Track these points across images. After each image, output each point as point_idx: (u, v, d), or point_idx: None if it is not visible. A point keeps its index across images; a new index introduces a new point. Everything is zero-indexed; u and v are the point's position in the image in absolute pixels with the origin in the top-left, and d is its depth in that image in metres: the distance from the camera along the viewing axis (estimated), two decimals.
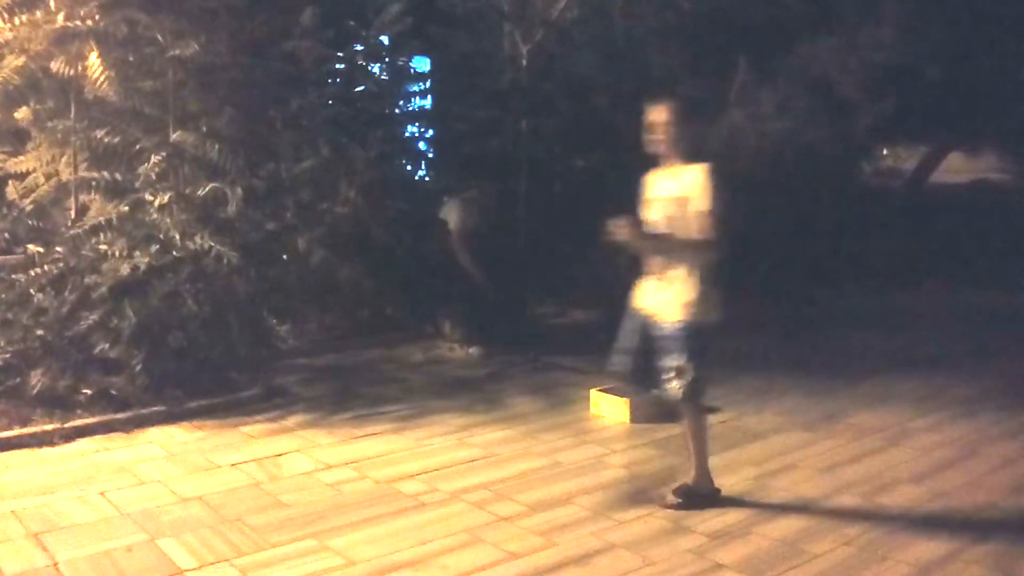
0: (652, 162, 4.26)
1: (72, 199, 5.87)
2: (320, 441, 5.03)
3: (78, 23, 5.51)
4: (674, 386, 4.00)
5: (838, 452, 4.93)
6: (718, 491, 4.22)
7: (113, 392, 5.36)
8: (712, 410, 5.66)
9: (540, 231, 8.57)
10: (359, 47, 7.77)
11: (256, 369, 6.15)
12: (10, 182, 5.96)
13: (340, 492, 4.30)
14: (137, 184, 5.86)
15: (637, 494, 4.26)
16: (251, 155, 6.41)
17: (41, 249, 5.65)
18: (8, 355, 5.36)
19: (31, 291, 5.50)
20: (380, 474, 4.53)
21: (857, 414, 5.60)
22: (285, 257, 6.85)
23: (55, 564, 3.52)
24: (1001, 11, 9.31)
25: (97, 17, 5.55)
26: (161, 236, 5.80)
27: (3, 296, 5.52)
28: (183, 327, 5.74)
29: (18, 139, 6.05)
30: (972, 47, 9.29)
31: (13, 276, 5.54)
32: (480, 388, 6.23)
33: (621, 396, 5.49)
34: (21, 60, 5.56)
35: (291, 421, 5.39)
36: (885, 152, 12.18)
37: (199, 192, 5.94)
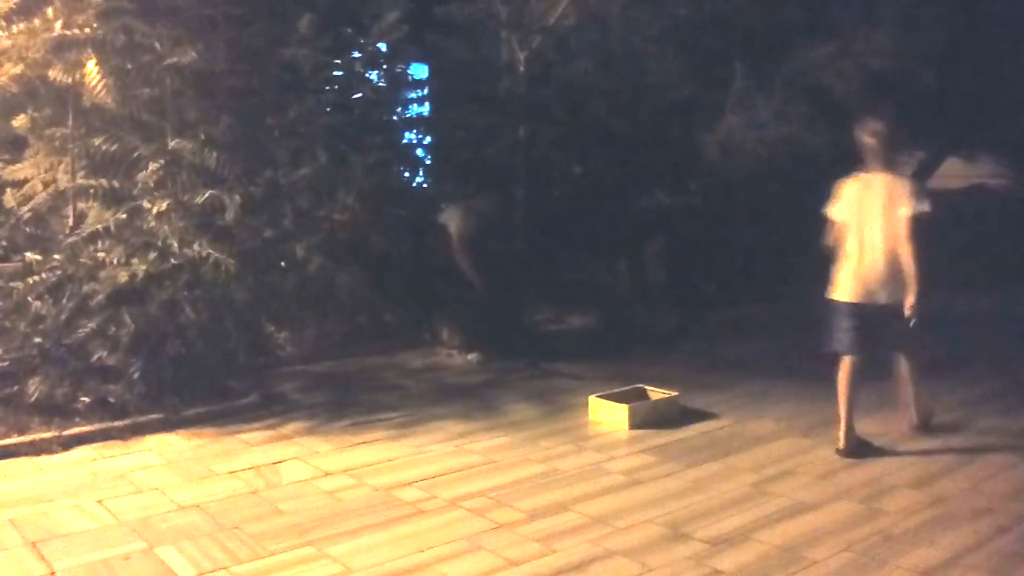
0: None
1: (70, 207, 5.86)
2: (318, 448, 5.03)
3: (76, 31, 5.51)
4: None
5: (837, 458, 4.92)
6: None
7: (111, 400, 5.36)
8: (710, 416, 5.68)
9: (538, 237, 8.58)
10: (357, 54, 7.77)
11: (254, 376, 6.15)
12: (8, 190, 5.95)
13: (338, 499, 4.29)
14: (135, 192, 5.85)
15: None
16: (249, 162, 6.40)
17: (39, 257, 5.64)
18: (6, 363, 5.37)
19: (29, 299, 5.50)
20: (378, 481, 4.52)
21: (856, 419, 5.59)
22: (283, 264, 6.84)
23: (53, 573, 3.51)
24: (997, 17, 9.35)
25: (95, 25, 5.55)
26: (159, 244, 5.80)
27: (1, 304, 5.51)
28: (181, 335, 5.74)
29: (16, 147, 6.05)
30: (969, 53, 9.32)
31: (11, 284, 5.53)
32: (478, 395, 6.23)
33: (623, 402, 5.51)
34: (19, 68, 5.56)
35: (289, 428, 5.38)
36: None
37: (197, 199, 5.93)
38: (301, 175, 6.87)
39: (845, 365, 5.00)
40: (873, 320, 4.90)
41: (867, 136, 5.00)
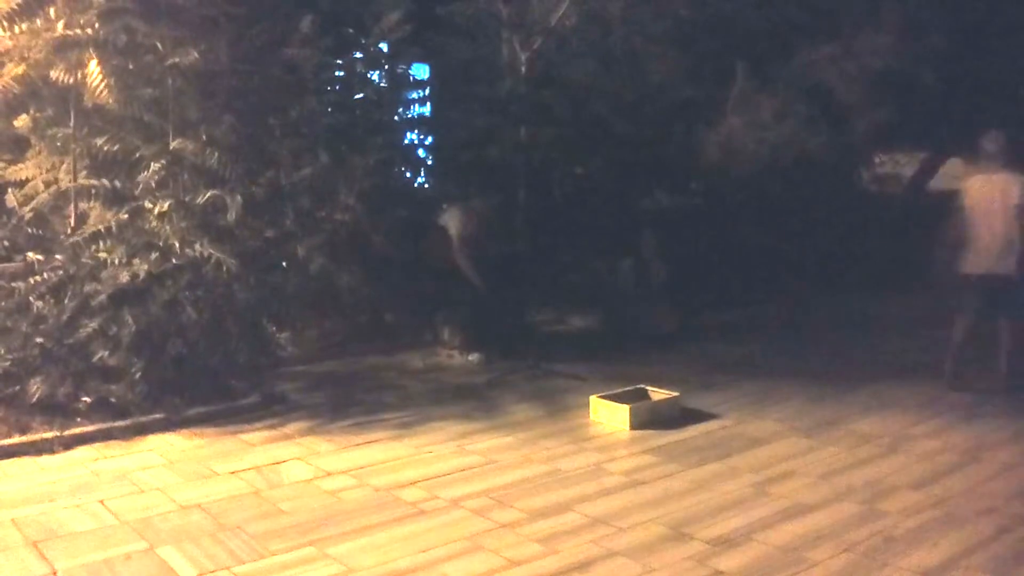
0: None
1: (72, 207, 5.86)
2: (319, 448, 5.03)
3: (77, 31, 5.51)
4: None
5: (838, 458, 4.92)
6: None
7: (112, 400, 5.36)
8: (711, 416, 5.68)
9: (539, 238, 8.58)
10: (358, 55, 7.78)
11: (255, 376, 6.14)
12: (10, 190, 5.96)
13: (340, 499, 4.29)
14: (136, 192, 5.86)
15: None
16: (250, 163, 6.40)
17: (41, 257, 5.64)
18: (8, 363, 5.36)
19: (31, 299, 5.50)
20: (380, 481, 4.52)
21: (857, 420, 5.60)
22: (284, 264, 6.84)
23: (54, 573, 3.52)
24: (999, 16, 9.35)
25: (96, 25, 5.55)
26: (160, 244, 5.80)
27: (3, 304, 5.51)
28: (182, 335, 5.74)
29: (18, 147, 6.05)
30: (970, 52, 9.32)
31: (13, 284, 5.53)
32: (479, 395, 6.23)
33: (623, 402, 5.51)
34: (21, 68, 5.56)
35: (290, 428, 5.39)
36: (879, 160, 12.18)
37: (198, 200, 5.94)
38: (303, 175, 6.88)
39: (958, 322, 6.36)
40: (990, 288, 6.21)
41: (989, 143, 6.28)
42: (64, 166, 5.88)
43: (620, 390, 5.77)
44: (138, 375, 5.43)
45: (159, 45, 5.86)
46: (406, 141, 8.48)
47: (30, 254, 5.67)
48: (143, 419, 5.29)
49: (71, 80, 5.58)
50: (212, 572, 3.52)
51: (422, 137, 8.69)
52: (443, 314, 7.50)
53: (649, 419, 5.48)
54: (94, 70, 5.48)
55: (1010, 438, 5.26)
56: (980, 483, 4.56)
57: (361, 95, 7.90)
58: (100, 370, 5.45)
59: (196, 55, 5.80)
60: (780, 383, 6.47)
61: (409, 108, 8.38)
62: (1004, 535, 3.93)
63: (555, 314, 8.69)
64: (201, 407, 5.55)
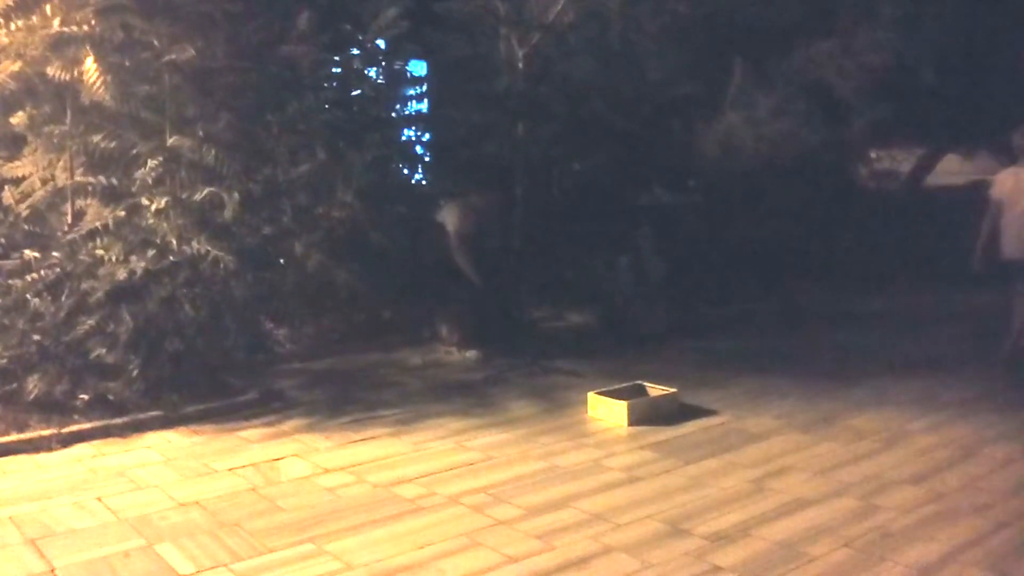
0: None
1: (69, 204, 5.86)
2: (318, 445, 5.03)
3: (74, 28, 5.51)
4: None
5: (836, 454, 4.93)
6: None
7: (110, 397, 5.36)
8: (709, 412, 5.68)
9: (537, 235, 8.58)
10: (356, 51, 7.77)
11: (253, 373, 6.15)
12: (6, 187, 5.95)
13: (338, 496, 4.29)
14: (134, 189, 5.85)
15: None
16: (248, 159, 6.40)
17: (38, 254, 5.64)
18: (5, 360, 5.36)
19: (28, 296, 5.50)
20: (378, 478, 4.52)
21: (855, 416, 5.61)
22: (282, 261, 6.84)
23: (52, 570, 3.51)
24: (996, 14, 9.36)
25: (93, 22, 5.55)
26: (158, 241, 5.80)
27: (0, 301, 5.51)
28: (180, 332, 5.74)
29: (14, 144, 6.04)
30: (968, 50, 9.33)
31: (10, 281, 5.53)
32: (478, 392, 6.23)
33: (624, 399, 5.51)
34: (17, 65, 5.56)
35: (288, 425, 5.39)
36: (874, 155, 12.19)
37: (196, 197, 5.93)
38: (300, 172, 6.87)
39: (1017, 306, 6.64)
40: (1018, 271, 6.49)
41: (1020, 137, 6.45)
42: (61, 163, 5.87)
43: (618, 386, 5.77)
44: (136, 372, 5.43)
45: (156, 42, 5.86)
46: (404, 138, 8.48)
47: (27, 251, 5.66)
48: (141, 416, 5.29)
49: (68, 77, 5.57)
50: (210, 569, 3.52)
51: (420, 134, 8.69)
52: (441, 311, 7.51)
53: (647, 415, 5.48)
54: (91, 67, 5.47)
55: (1007, 434, 5.27)
56: (977, 479, 4.56)
57: (359, 92, 7.89)
58: (98, 367, 5.45)
59: (193, 52, 5.79)
60: (777, 379, 6.47)
61: (407, 105, 8.37)
62: (1001, 530, 3.93)
63: (553, 311, 8.70)
64: (199, 404, 5.55)
